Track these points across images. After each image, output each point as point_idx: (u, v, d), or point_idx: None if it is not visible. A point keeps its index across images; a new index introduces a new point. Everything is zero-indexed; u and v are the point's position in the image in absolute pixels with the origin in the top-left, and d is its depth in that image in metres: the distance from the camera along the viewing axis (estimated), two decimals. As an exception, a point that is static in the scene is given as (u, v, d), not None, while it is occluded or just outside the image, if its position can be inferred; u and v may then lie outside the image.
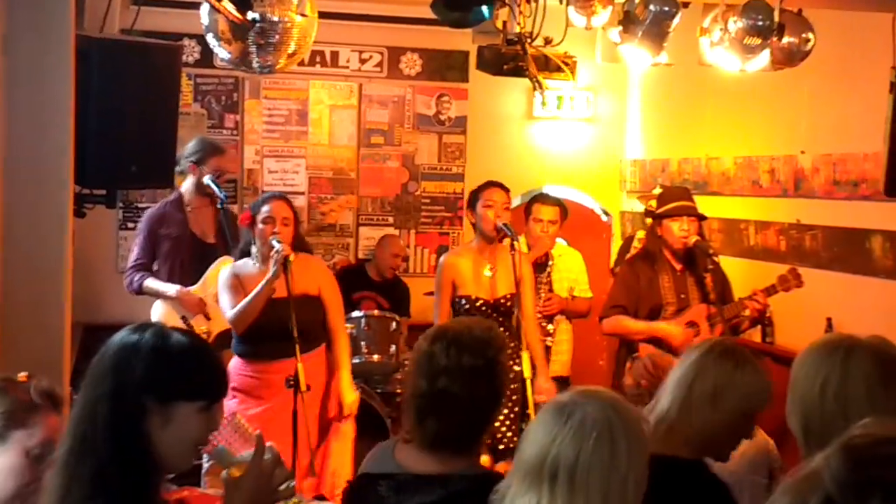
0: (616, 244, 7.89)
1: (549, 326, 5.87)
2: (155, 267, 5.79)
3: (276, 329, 4.59)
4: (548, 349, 5.89)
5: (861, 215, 5.34)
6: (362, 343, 6.11)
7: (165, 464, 2.13)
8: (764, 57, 4.75)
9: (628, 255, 6.35)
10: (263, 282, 4.63)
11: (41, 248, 3.98)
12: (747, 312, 5.30)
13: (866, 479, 1.01)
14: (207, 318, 5.59)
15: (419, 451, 2.57)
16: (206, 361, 2.19)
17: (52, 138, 3.90)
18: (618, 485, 1.91)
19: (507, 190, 5.32)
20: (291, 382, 4.40)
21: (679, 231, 5.30)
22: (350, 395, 4.92)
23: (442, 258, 5.38)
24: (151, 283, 5.68)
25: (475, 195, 5.28)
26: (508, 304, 5.11)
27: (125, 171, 4.04)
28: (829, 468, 1.04)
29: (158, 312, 5.68)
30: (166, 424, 2.08)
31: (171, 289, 5.63)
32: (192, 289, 5.62)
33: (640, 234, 6.48)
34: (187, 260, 5.71)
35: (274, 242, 4.65)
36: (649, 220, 6.23)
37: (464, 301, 5.10)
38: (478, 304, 5.09)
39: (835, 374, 2.12)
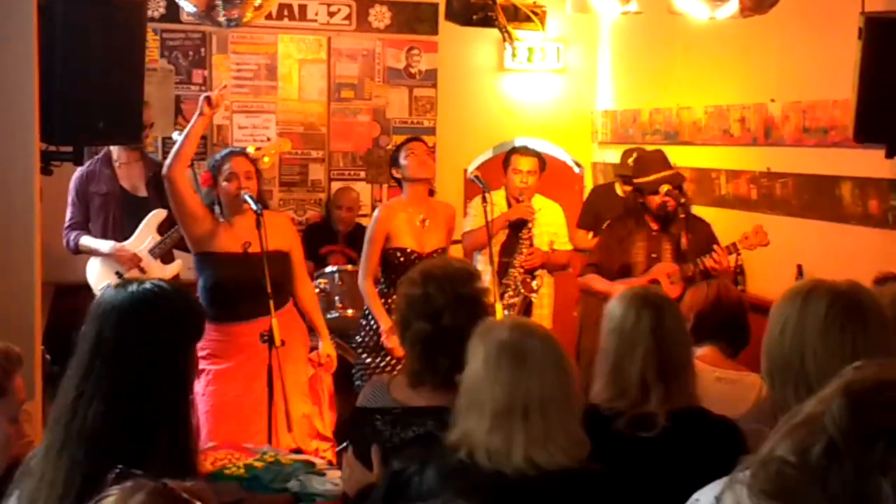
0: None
1: (535, 283, 5.89)
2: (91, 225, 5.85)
3: (251, 286, 4.57)
4: (530, 304, 5.94)
5: (831, 162, 5.36)
6: (336, 298, 6.11)
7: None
8: (733, 4, 4.74)
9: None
10: (195, 117, 4.68)
11: (8, 207, 3.95)
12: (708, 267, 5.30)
13: (870, 425, 1.01)
14: (143, 271, 5.64)
15: (412, 387, 2.71)
16: (197, 300, 2.49)
17: (15, 95, 3.85)
18: (574, 402, 2.29)
19: (427, 143, 5.46)
20: (265, 337, 4.38)
21: (660, 200, 5.30)
22: (333, 350, 4.99)
23: (377, 211, 5.49)
24: (86, 240, 5.74)
25: (396, 151, 5.45)
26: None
27: (92, 128, 3.99)
28: (831, 414, 1.03)
29: (94, 269, 5.76)
30: (192, 368, 2.25)
31: (105, 245, 5.69)
32: (127, 243, 5.69)
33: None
34: (119, 215, 5.78)
35: (244, 195, 4.63)
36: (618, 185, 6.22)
37: (398, 253, 5.20)
38: (412, 256, 5.18)
39: (793, 315, 2.19)
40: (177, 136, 5.80)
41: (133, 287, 2.18)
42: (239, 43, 7.27)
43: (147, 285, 2.18)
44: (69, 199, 5.85)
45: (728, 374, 3.47)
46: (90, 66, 3.95)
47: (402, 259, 5.16)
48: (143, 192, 5.87)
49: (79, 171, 5.81)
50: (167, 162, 4.72)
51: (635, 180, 5.50)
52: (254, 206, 4.57)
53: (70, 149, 4.08)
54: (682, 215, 5.24)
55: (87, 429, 2.04)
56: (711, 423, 2.77)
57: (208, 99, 4.68)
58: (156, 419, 2.07)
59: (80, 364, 2.11)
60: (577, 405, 2.31)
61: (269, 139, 7.24)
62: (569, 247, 6.12)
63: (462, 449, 2.23)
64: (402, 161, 5.33)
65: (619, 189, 6.35)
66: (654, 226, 5.36)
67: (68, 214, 5.84)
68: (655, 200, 5.28)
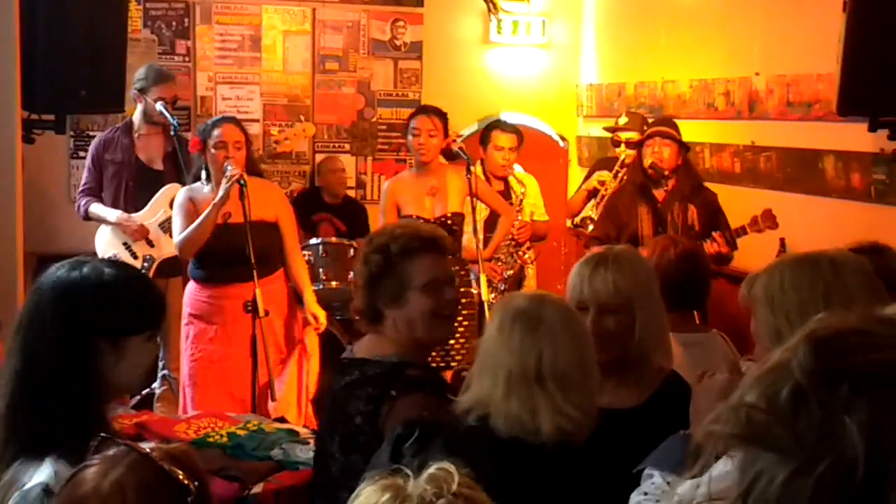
0: (573, 169, 7.90)
1: (527, 255, 5.94)
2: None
3: (232, 254, 4.59)
4: (522, 278, 6.01)
5: (814, 136, 5.38)
6: (320, 270, 6.11)
7: (118, 393, 2.17)
8: (719, -24, 4.73)
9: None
10: (211, 206, 4.60)
11: (-10, 176, 3.93)
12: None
13: (835, 368, 1.04)
14: (151, 244, 5.59)
15: (369, 339, 2.79)
16: (149, 291, 2.21)
17: (-3, 63, 3.83)
18: (591, 368, 2.29)
19: (439, 115, 5.35)
20: (249, 307, 4.40)
21: (651, 153, 5.30)
22: (320, 310, 5.00)
23: (385, 183, 5.57)
24: (96, 208, 5.68)
25: (406, 124, 5.38)
26: (450, 222, 5.22)
27: (74, 96, 3.98)
28: (797, 359, 1.06)
29: (103, 238, 5.70)
30: (119, 360, 2.10)
31: (112, 214, 5.63)
32: (136, 215, 5.61)
33: (602, 176, 6.35)
34: (132, 185, 5.70)
35: (227, 167, 4.62)
36: (621, 150, 6.21)
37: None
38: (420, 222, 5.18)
39: (835, 283, 2.23)
40: (160, 108, 5.77)
41: (64, 267, 2.14)
42: (223, 14, 7.22)
43: (75, 269, 2.13)
44: (86, 165, 5.80)
45: (696, 338, 3.49)
46: (72, 36, 3.93)
47: None
48: (158, 165, 5.78)
49: (98, 137, 5.77)
50: (179, 243, 4.74)
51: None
52: (228, 176, 4.58)
53: (52, 117, 4.06)
54: (688, 189, 5.25)
55: (3, 409, 2.05)
56: None
57: (238, 183, 4.60)
58: (49, 405, 2.03)
59: (9, 339, 2.13)
60: (592, 376, 2.31)
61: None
62: (546, 217, 6.27)
63: (473, 413, 2.26)
64: (408, 138, 5.34)
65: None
66: (660, 196, 5.36)
67: (83, 179, 5.78)
68: (646, 154, 5.30)
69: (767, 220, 5.22)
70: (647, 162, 5.32)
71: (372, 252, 2.72)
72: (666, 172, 5.29)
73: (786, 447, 1.03)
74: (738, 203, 5.61)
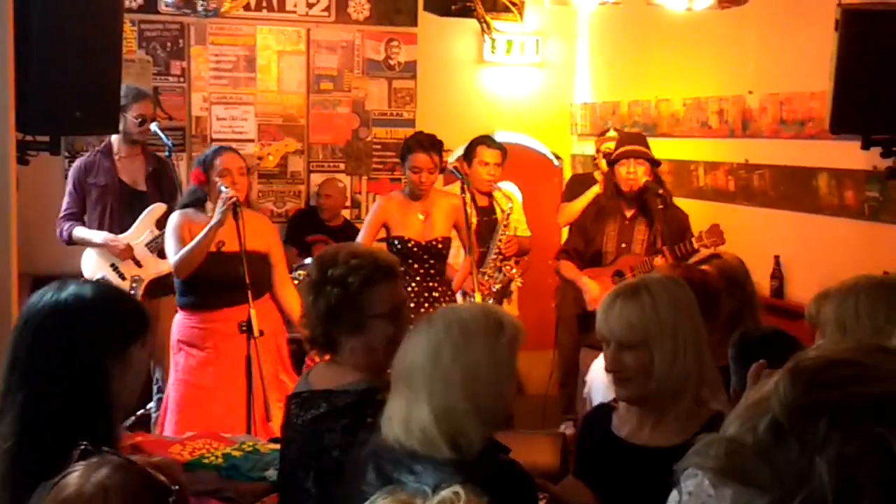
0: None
1: (515, 270, 5.95)
2: (87, 216, 5.78)
3: (224, 281, 4.60)
4: (510, 293, 6.02)
5: (807, 154, 5.39)
6: (315, 289, 6.11)
7: (125, 405, 2.17)
8: (711, -5, 4.76)
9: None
10: (207, 227, 4.59)
11: (-16, 197, 3.91)
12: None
13: (813, 401, 1.01)
14: (139, 264, 5.60)
15: (326, 369, 2.78)
16: (128, 297, 2.27)
17: (-9, 84, 3.82)
18: (441, 384, 2.19)
19: (436, 150, 5.30)
20: (244, 327, 4.39)
21: (626, 174, 5.37)
22: None
23: (378, 200, 5.59)
24: (80, 231, 5.68)
25: (403, 154, 5.32)
26: (440, 246, 5.21)
27: (68, 117, 3.96)
28: (777, 393, 1.04)
29: (89, 261, 5.70)
30: (127, 370, 2.11)
31: (98, 236, 5.64)
32: (123, 236, 5.62)
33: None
34: (117, 207, 5.71)
35: (222, 188, 4.62)
36: (603, 163, 6.26)
37: (397, 242, 5.21)
38: (410, 244, 5.20)
39: (877, 307, 2.22)
40: (155, 128, 5.77)
41: (48, 296, 2.12)
42: (217, 34, 7.24)
43: (63, 294, 2.11)
44: (66, 190, 5.81)
45: None
46: (67, 56, 3.92)
47: (400, 247, 5.17)
48: (142, 186, 5.79)
49: (78, 161, 5.78)
50: (176, 264, 4.69)
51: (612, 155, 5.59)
52: (224, 196, 4.58)
53: (47, 138, 4.05)
54: (661, 206, 5.28)
55: (7, 447, 2.02)
56: None
57: (234, 207, 4.58)
58: (69, 435, 1.99)
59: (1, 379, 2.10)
60: (450, 391, 2.19)
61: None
62: (528, 233, 6.31)
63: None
64: (406, 171, 5.30)
65: (598, 175, 6.38)
66: (628, 212, 5.43)
67: (64, 204, 5.78)
68: (621, 174, 5.35)
69: (713, 235, 5.22)
70: (623, 186, 5.38)
71: (329, 285, 2.69)
72: (661, 191, 5.34)
73: (762, 482, 1.01)
74: (732, 221, 5.62)
